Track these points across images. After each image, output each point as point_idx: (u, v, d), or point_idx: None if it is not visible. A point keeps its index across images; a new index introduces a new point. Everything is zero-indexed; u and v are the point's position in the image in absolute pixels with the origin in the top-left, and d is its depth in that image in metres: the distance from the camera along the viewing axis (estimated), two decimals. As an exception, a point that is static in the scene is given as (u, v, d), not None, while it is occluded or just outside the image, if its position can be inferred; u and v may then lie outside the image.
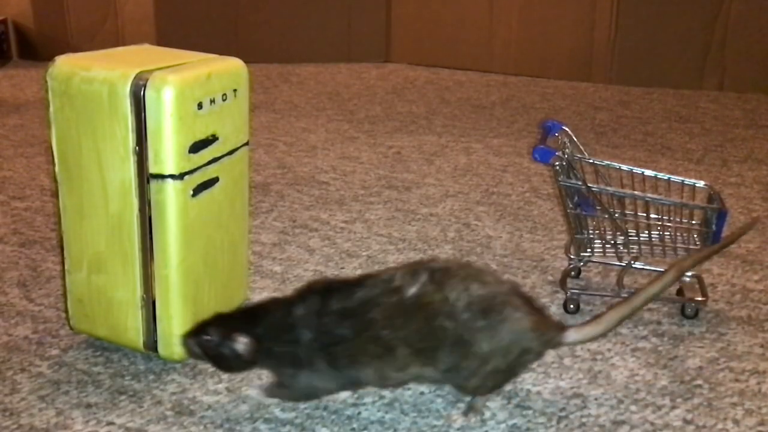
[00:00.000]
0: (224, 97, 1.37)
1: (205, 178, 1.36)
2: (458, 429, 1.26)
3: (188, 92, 1.29)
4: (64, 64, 1.33)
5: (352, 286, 1.21)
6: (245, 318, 1.25)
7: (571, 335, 1.25)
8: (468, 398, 1.29)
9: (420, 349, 1.18)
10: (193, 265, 1.38)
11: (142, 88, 1.27)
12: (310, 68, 4.13)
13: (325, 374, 1.22)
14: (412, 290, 1.18)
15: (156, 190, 1.31)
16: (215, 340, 1.23)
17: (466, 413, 1.27)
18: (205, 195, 1.37)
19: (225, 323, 1.25)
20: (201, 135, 1.33)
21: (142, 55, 1.41)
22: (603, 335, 1.32)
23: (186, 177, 1.32)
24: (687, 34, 3.65)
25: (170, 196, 1.31)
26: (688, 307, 1.60)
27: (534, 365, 1.42)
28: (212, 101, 1.34)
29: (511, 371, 1.23)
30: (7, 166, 2.53)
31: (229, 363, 1.25)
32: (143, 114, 1.27)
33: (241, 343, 1.22)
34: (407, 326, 1.17)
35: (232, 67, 1.41)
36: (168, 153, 1.28)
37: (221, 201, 1.42)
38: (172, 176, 1.30)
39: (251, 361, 1.24)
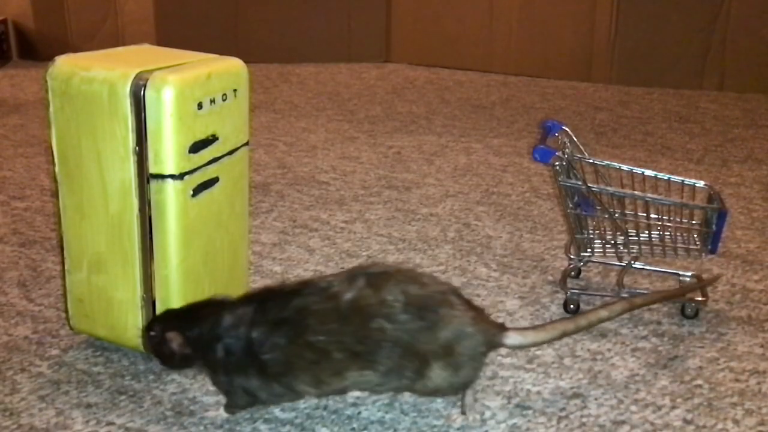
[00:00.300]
0: (224, 97, 1.37)
1: (205, 178, 1.36)
2: (458, 429, 1.26)
3: (188, 92, 1.29)
4: (64, 64, 1.33)
5: (288, 294, 1.22)
6: (186, 318, 1.25)
7: (511, 336, 1.24)
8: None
9: (357, 352, 1.18)
10: (193, 265, 1.38)
11: (142, 88, 1.26)
12: (310, 68, 4.13)
13: (258, 383, 1.22)
14: (349, 295, 1.18)
15: (156, 190, 1.31)
16: (157, 336, 1.24)
17: (464, 412, 1.27)
18: (205, 195, 1.37)
19: (168, 321, 1.26)
20: (201, 135, 1.33)
21: (142, 55, 1.41)
22: (543, 344, 1.33)
23: (186, 177, 1.32)
24: (687, 34, 3.65)
25: (170, 196, 1.31)
26: (688, 307, 1.60)
27: (533, 366, 1.42)
28: (212, 101, 1.34)
29: (463, 369, 1.21)
30: (7, 166, 2.53)
31: (169, 359, 1.26)
32: (143, 114, 1.27)
33: (173, 342, 1.22)
34: (343, 330, 1.17)
35: (232, 67, 1.41)
36: (168, 153, 1.28)
37: (221, 201, 1.42)
38: (172, 176, 1.30)
39: (187, 360, 1.24)
